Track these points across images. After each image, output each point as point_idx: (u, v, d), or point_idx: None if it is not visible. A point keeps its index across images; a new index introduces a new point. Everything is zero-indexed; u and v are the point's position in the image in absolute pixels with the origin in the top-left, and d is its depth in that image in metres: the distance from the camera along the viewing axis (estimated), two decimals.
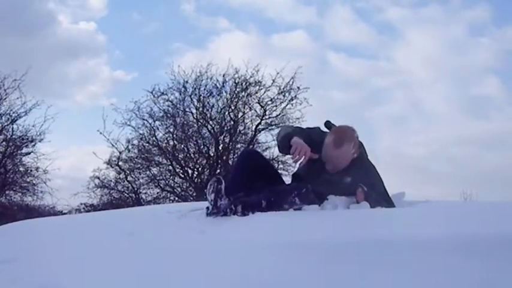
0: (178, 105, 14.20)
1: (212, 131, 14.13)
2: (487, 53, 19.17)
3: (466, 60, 19.32)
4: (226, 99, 14.09)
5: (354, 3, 20.99)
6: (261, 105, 14.00)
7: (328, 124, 3.13)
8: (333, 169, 2.98)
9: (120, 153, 14.22)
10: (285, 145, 2.98)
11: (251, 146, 14.11)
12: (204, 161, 14.12)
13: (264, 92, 13.92)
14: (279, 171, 13.54)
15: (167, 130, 14.32)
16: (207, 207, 2.69)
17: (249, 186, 2.88)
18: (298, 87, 13.56)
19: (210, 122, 14.18)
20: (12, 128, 13.49)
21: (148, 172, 14.50)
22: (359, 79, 19.94)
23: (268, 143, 14.21)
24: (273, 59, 20.25)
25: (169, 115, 14.17)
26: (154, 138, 14.23)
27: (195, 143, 14.30)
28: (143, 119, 14.06)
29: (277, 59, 22.33)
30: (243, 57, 15.77)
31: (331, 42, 21.66)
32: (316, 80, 13.33)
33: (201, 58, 22.61)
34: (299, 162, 2.88)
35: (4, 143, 13.62)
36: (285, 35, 20.22)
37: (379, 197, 2.86)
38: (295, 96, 13.63)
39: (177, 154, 14.30)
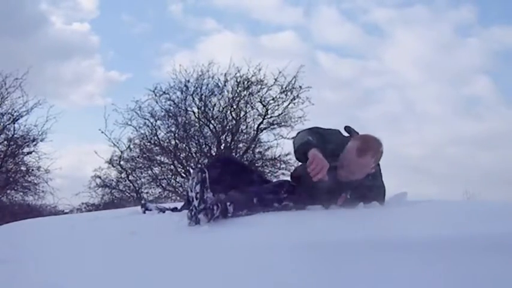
0: (180, 105, 14.20)
1: (214, 130, 14.12)
2: (475, 53, 19.18)
3: (456, 61, 19.35)
4: (228, 98, 14.08)
5: (339, 4, 20.98)
6: (263, 104, 13.99)
7: (348, 129, 2.96)
8: (346, 177, 2.76)
9: (121, 152, 14.27)
10: (301, 154, 2.76)
11: (253, 146, 14.12)
12: (206, 161, 14.11)
13: (266, 91, 13.91)
14: (282, 171, 13.61)
15: (169, 129, 14.35)
16: (190, 209, 2.44)
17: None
18: (301, 86, 13.56)
19: (212, 121, 14.18)
20: (14, 127, 13.54)
21: (150, 171, 14.52)
22: (350, 79, 19.97)
23: (270, 142, 14.23)
24: (263, 59, 20.06)
25: (170, 114, 14.17)
26: (156, 137, 14.25)
27: (196, 142, 14.30)
28: (145, 118, 14.10)
29: (268, 60, 22.07)
30: (234, 58, 15.65)
31: (319, 43, 21.67)
32: (307, 80, 13.34)
33: (191, 58, 22.70)
34: (316, 178, 2.57)
35: (5, 142, 13.64)
36: (274, 36, 20.20)
37: None
38: (298, 95, 13.64)
39: (178, 153, 14.31)
